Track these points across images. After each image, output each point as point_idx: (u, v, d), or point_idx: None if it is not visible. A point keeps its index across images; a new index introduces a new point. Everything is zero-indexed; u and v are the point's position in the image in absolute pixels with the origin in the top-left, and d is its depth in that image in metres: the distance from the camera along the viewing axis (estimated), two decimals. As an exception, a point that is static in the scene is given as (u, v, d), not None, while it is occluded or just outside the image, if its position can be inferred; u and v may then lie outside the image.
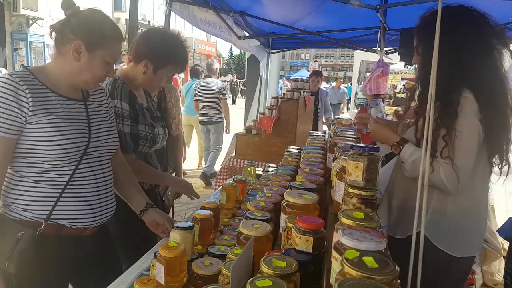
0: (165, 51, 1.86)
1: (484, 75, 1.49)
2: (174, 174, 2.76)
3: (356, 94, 14.51)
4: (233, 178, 2.09)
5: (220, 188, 2.01)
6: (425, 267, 1.20)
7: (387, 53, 5.42)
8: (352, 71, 17.64)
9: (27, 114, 1.31)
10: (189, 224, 1.38)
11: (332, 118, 4.26)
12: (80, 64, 1.38)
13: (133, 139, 1.85)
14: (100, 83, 1.53)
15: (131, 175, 1.71)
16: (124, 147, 1.78)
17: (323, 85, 9.52)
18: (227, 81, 24.81)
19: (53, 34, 1.41)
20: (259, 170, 2.60)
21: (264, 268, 0.93)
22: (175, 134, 2.91)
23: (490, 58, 1.52)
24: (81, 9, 1.43)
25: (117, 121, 1.76)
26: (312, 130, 4.18)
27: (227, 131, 6.09)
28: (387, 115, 6.01)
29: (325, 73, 33.95)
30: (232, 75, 33.14)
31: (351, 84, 17.75)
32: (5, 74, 1.33)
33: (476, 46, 1.49)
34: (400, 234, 1.71)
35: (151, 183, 2.04)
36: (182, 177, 2.96)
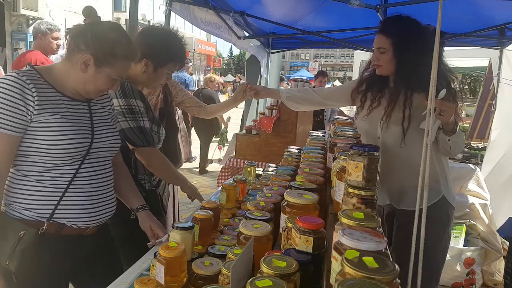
0: (164, 50, 1.86)
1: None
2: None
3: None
4: (233, 178, 2.08)
5: (220, 188, 2.01)
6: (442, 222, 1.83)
7: (387, 53, 5.40)
8: (352, 71, 17.62)
9: (32, 113, 1.31)
10: (189, 224, 1.38)
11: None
12: (86, 76, 1.39)
13: (153, 134, 1.89)
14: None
15: (129, 176, 1.74)
16: (149, 142, 1.83)
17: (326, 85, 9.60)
18: (231, 82, 24.58)
19: (68, 37, 1.41)
20: (259, 170, 2.60)
21: (264, 268, 0.93)
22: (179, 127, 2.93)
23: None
24: (101, 19, 1.44)
25: (137, 118, 1.79)
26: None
27: None
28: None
29: (325, 73, 33.79)
30: (233, 75, 33.00)
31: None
32: (12, 72, 1.33)
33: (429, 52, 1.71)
34: (406, 206, 1.91)
35: (168, 181, 2.10)
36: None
